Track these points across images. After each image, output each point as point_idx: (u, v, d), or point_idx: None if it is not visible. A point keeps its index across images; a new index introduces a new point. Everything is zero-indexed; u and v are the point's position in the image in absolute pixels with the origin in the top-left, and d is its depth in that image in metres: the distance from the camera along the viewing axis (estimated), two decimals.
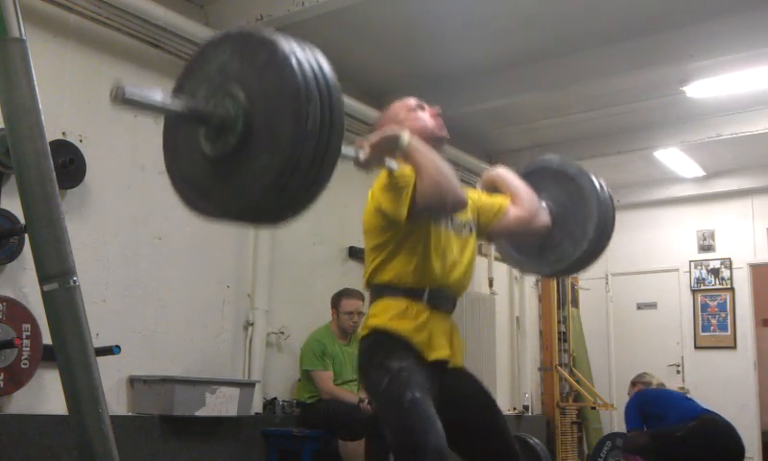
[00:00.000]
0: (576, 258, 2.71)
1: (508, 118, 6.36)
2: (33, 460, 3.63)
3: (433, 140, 2.39)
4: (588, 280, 8.61)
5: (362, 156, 2.26)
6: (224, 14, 4.63)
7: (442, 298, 2.35)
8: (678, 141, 6.68)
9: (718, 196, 7.95)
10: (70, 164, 3.85)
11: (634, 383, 5.92)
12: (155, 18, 4.21)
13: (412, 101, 2.51)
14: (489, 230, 2.55)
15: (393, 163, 2.30)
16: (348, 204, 5.82)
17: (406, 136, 2.26)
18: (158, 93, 1.65)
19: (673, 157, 7.26)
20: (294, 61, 1.64)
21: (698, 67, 5.20)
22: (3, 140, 3.33)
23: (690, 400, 5.68)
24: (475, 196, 2.58)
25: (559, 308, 7.97)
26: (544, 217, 2.57)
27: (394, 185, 2.30)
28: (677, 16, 4.74)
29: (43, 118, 1.68)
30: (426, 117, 2.48)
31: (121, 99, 1.53)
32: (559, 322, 7.93)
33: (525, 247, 2.80)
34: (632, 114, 6.25)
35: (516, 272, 7.81)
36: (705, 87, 5.50)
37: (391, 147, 2.27)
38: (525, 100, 5.93)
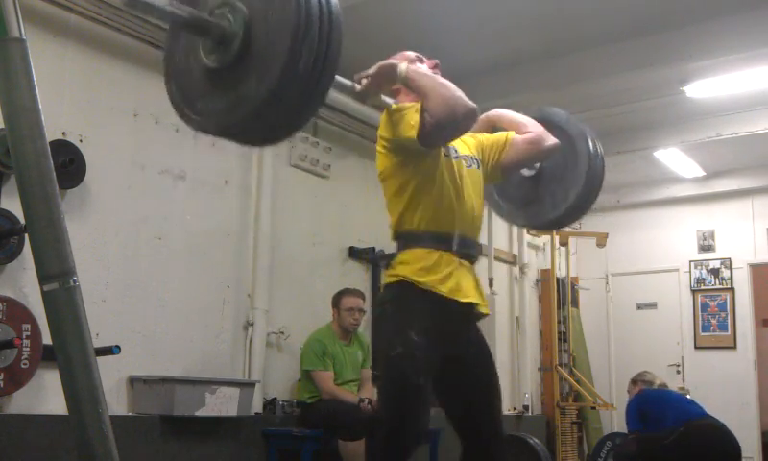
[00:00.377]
0: (550, 219, 2.80)
1: None
2: (33, 460, 3.63)
3: None
4: (588, 280, 8.62)
5: (358, 87, 2.28)
6: None
7: (467, 245, 2.37)
8: (678, 141, 6.68)
9: (718, 196, 7.95)
10: (70, 164, 3.85)
11: (635, 382, 5.79)
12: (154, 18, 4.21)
13: (410, 53, 2.52)
14: (501, 163, 2.57)
15: (389, 99, 2.33)
16: (349, 204, 5.83)
17: (403, 65, 2.29)
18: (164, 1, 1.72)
19: (673, 157, 7.26)
20: None
21: (698, 67, 5.20)
22: (3, 140, 3.33)
23: (690, 402, 5.49)
24: (477, 137, 2.61)
25: (559, 308, 7.96)
26: (552, 138, 2.59)
27: (395, 117, 2.31)
28: (677, 16, 4.74)
29: (43, 118, 1.67)
30: (425, 68, 2.48)
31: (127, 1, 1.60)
32: (559, 322, 7.92)
33: (512, 197, 2.85)
34: (632, 114, 6.25)
35: (516, 272, 7.82)
36: (705, 87, 5.50)
37: (390, 76, 2.30)
38: (525, 100, 5.92)
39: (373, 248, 5.89)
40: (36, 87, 1.67)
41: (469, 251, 2.39)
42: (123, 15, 4.16)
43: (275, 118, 1.75)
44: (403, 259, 2.34)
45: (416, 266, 2.30)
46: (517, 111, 2.80)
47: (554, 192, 2.74)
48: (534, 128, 2.60)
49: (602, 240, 7.63)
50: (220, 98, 1.80)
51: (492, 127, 2.69)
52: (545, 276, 8.17)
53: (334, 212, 5.69)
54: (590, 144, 2.74)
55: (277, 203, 5.15)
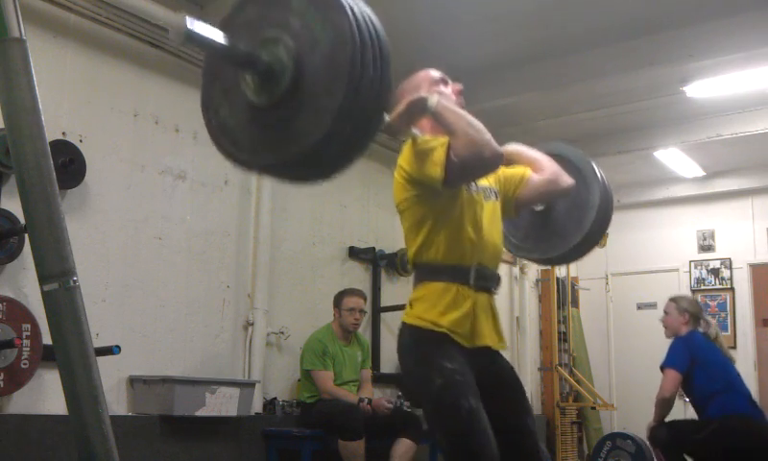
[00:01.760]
0: (561, 253, 2.79)
1: (508, 118, 6.35)
2: (33, 460, 3.63)
3: None
4: (588, 280, 8.62)
5: (388, 118, 2.21)
6: (224, 14, 4.62)
7: (485, 277, 2.34)
8: (678, 141, 6.68)
9: (718, 196, 7.95)
10: (70, 164, 3.85)
11: (683, 310, 4.77)
12: (155, 18, 4.21)
13: (435, 73, 2.48)
14: (517, 198, 2.54)
15: (416, 131, 2.28)
16: (348, 204, 5.83)
17: (434, 98, 2.23)
18: (220, 35, 1.79)
19: (673, 157, 7.26)
20: (347, 7, 1.66)
21: (698, 67, 5.20)
22: (3, 140, 3.33)
23: (737, 386, 4.61)
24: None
25: (559, 308, 7.97)
26: (567, 177, 2.57)
27: (420, 151, 2.27)
28: (677, 16, 4.74)
29: (43, 118, 1.67)
30: (448, 93, 2.44)
31: (183, 37, 1.63)
32: (559, 322, 7.93)
33: (521, 230, 2.82)
34: (632, 114, 6.24)
35: (516, 272, 7.82)
36: (705, 87, 5.50)
37: (420, 110, 2.24)
38: (525, 100, 5.93)
39: (373, 248, 5.89)
40: (36, 87, 1.67)
41: (488, 284, 2.35)
42: (123, 15, 4.16)
43: (327, 157, 1.72)
44: (420, 296, 2.32)
45: (432, 311, 2.26)
46: (517, 111, 2.80)
47: (565, 226, 2.74)
48: (550, 166, 2.57)
49: (602, 240, 7.62)
50: (268, 136, 1.77)
51: (508, 161, 2.67)
52: (545, 276, 8.17)
53: (334, 212, 5.69)
54: (600, 178, 2.73)
55: (277, 203, 5.15)
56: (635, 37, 5.00)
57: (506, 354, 2.44)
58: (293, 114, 1.70)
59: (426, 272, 2.33)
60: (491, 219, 2.41)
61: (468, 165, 2.19)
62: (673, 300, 4.87)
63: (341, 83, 1.63)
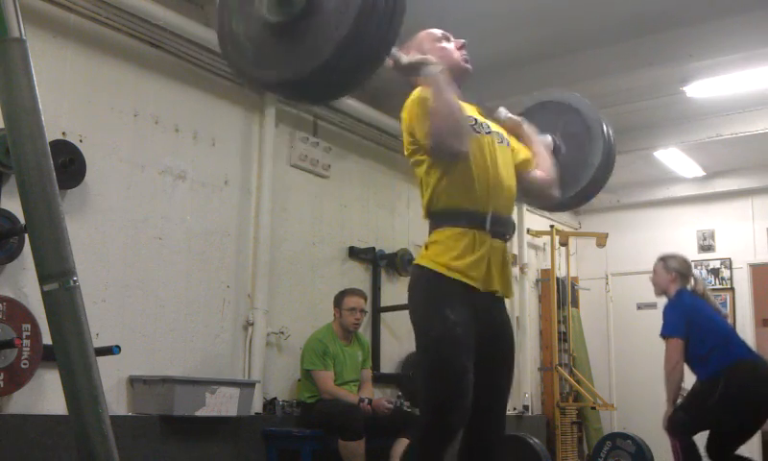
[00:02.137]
0: (564, 199, 2.78)
1: None
2: (33, 460, 3.63)
3: (457, 71, 2.41)
4: (587, 280, 8.62)
5: (404, 59, 2.29)
6: None
7: (501, 223, 2.37)
8: (678, 141, 6.69)
9: (718, 196, 7.95)
10: (70, 164, 3.85)
11: (669, 269, 4.71)
12: (155, 18, 4.21)
13: (437, 31, 2.52)
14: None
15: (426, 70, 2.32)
16: (348, 204, 5.83)
17: (436, 69, 2.27)
18: None
19: (673, 157, 7.26)
20: None
21: (698, 67, 5.20)
22: (3, 140, 3.33)
23: (736, 340, 4.52)
24: (505, 131, 2.61)
25: (559, 308, 7.96)
26: (557, 190, 2.62)
27: (419, 110, 2.31)
28: (677, 16, 4.74)
29: (43, 118, 1.67)
30: (452, 47, 2.47)
31: None
32: (559, 322, 7.92)
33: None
34: (632, 114, 6.24)
35: (516, 272, 7.82)
36: (705, 87, 5.50)
37: (422, 68, 2.29)
38: (525, 100, 5.92)
39: (373, 248, 5.89)
40: (36, 87, 1.67)
41: (503, 229, 2.38)
42: (123, 15, 4.16)
43: (342, 72, 1.78)
44: (436, 239, 2.33)
45: (447, 254, 2.28)
46: (517, 111, 2.82)
47: (569, 171, 2.76)
48: (549, 169, 2.61)
49: (602, 240, 7.63)
50: (285, 52, 1.82)
51: (518, 134, 2.68)
52: (545, 276, 8.17)
53: (334, 212, 5.69)
54: (605, 127, 2.79)
55: (277, 203, 5.15)
56: (635, 37, 5.00)
57: None
58: (308, 30, 1.76)
59: (442, 217, 2.35)
60: (504, 163, 2.43)
61: (434, 147, 2.25)
62: (661, 258, 4.81)
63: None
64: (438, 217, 2.36)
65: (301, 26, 1.78)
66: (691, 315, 4.51)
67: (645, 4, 4.64)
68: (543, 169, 2.60)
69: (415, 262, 2.39)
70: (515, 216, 2.53)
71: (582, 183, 2.77)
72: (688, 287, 4.66)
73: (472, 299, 2.28)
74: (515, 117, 2.72)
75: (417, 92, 2.34)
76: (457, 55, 2.46)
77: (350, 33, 1.70)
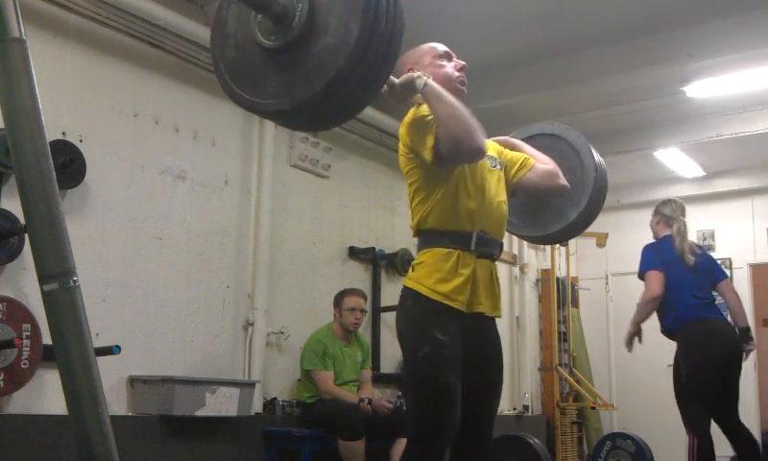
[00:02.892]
0: (554, 232, 2.81)
1: (508, 118, 6.34)
2: (33, 460, 3.63)
3: (450, 92, 2.35)
4: (587, 280, 8.61)
5: (397, 83, 2.27)
6: None
7: (487, 243, 2.37)
8: (678, 141, 6.69)
9: (718, 196, 7.95)
10: (70, 164, 3.85)
11: (657, 212, 4.80)
12: (155, 18, 4.21)
13: (440, 47, 2.49)
14: (517, 181, 2.57)
15: (420, 97, 2.31)
16: (348, 204, 5.83)
17: (422, 81, 2.25)
18: None
19: (673, 157, 7.26)
20: None
21: (698, 67, 5.20)
22: (3, 140, 3.33)
23: (698, 295, 4.57)
24: (498, 147, 2.61)
25: (559, 308, 7.97)
26: (564, 179, 2.62)
27: (417, 125, 2.31)
28: (677, 16, 4.74)
29: (43, 118, 1.67)
30: (450, 67, 2.46)
31: None
32: (559, 322, 7.93)
33: (516, 210, 2.86)
34: (632, 114, 6.25)
35: (516, 272, 7.82)
36: (705, 87, 5.50)
37: (409, 89, 2.27)
38: (525, 100, 5.93)
39: (373, 248, 5.89)
40: (36, 87, 1.67)
41: (490, 249, 2.39)
42: (123, 15, 4.16)
43: (337, 101, 1.75)
44: (422, 260, 2.35)
45: (433, 276, 2.30)
46: (517, 111, 2.82)
47: (559, 205, 2.77)
48: (550, 161, 2.63)
49: (602, 240, 7.63)
50: (279, 79, 1.79)
51: (510, 147, 2.70)
52: (545, 276, 8.17)
53: (334, 212, 5.68)
54: (595, 158, 2.79)
55: (277, 203, 5.15)
56: (635, 37, 5.00)
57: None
58: (305, 54, 1.72)
59: (429, 237, 2.36)
60: (495, 186, 2.44)
61: (449, 154, 2.23)
62: (657, 205, 4.91)
63: (355, 24, 1.66)
64: (424, 237, 2.39)
65: (299, 52, 1.75)
66: (665, 257, 4.64)
67: (645, 4, 4.64)
68: (544, 162, 2.62)
69: (403, 283, 2.41)
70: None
71: (570, 218, 2.77)
72: (673, 234, 4.70)
73: (459, 320, 2.29)
74: (502, 137, 2.73)
75: (413, 110, 2.35)
76: (454, 76, 2.44)
77: (347, 62, 1.68)
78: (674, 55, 5.05)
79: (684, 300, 4.56)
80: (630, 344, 4.82)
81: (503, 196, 2.48)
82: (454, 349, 2.24)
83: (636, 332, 4.75)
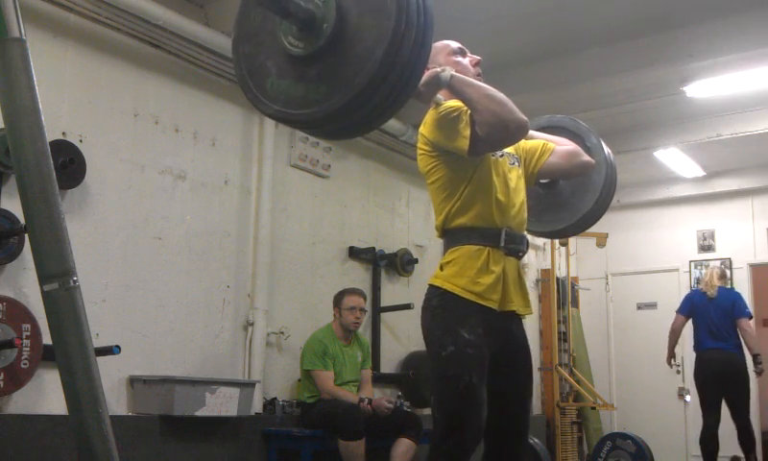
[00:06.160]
0: (566, 226, 2.81)
1: None
2: (33, 460, 3.63)
3: None
4: (588, 280, 8.62)
5: (421, 83, 2.20)
6: (224, 14, 4.62)
7: (515, 240, 2.35)
8: (678, 141, 6.69)
9: (718, 196, 7.95)
10: (70, 164, 3.85)
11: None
12: (155, 18, 4.21)
13: (454, 44, 2.49)
14: (540, 167, 2.56)
15: (439, 97, 2.28)
16: (349, 204, 5.83)
17: (448, 72, 2.23)
18: None
19: (673, 157, 7.26)
20: None
21: (698, 67, 5.19)
22: (3, 140, 3.33)
23: (706, 325, 6.24)
24: None
25: (559, 308, 7.96)
26: (587, 155, 2.60)
27: (444, 120, 2.28)
28: (677, 16, 4.74)
29: (43, 118, 1.67)
30: (466, 63, 2.45)
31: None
32: (559, 322, 7.92)
33: (530, 206, 2.87)
34: (632, 114, 6.24)
35: None
36: (705, 87, 5.50)
37: (434, 84, 2.24)
38: (525, 100, 5.89)
39: (373, 248, 5.89)
40: (36, 87, 1.67)
41: (517, 246, 2.37)
42: (123, 15, 4.16)
43: (367, 110, 1.72)
44: (451, 259, 2.32)
45: (463, 276, 2.27)
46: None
47: (569, 199, 2.77)
48: (570, 142, 2.61)
49: (602, 240, 7.63)
50: (304, 88, 1.76)
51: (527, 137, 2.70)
52: (545, 276, 8.17)
53: (334, 212, 5.68)
54: (606, 151, 2.78)
55: (277, 203, 5.15)
56: (635, 37, 4.99)
57: None
58: (334, 64, 1.70)
59: (457, 236, 2.33)
60: (516, 183, 2.43)
61: (493, 138, 2.20)
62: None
63: (386, 32, 1.64)
64: (452, 236, 2.35)
65: (329, 57, 1.71)
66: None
67: (645, 4, 4.64)
68: (563, 143, 2.60)
69: (429, 283, 2.37)
70: None
71: (583, 210, 2.76)
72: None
73: (488, 318, 2.27)
74: None
75: (432, 110, 2.32)
76: (471, 71, 2.42)
77: (378, 70, 1.65)
78: (674, 55, 5.04)
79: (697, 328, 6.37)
80: None
81: (524, 194, 2.47)
82: (480, 348, 2.22)
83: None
